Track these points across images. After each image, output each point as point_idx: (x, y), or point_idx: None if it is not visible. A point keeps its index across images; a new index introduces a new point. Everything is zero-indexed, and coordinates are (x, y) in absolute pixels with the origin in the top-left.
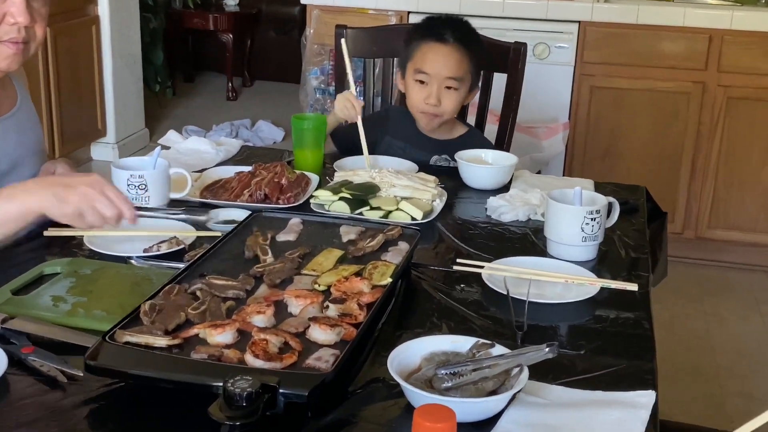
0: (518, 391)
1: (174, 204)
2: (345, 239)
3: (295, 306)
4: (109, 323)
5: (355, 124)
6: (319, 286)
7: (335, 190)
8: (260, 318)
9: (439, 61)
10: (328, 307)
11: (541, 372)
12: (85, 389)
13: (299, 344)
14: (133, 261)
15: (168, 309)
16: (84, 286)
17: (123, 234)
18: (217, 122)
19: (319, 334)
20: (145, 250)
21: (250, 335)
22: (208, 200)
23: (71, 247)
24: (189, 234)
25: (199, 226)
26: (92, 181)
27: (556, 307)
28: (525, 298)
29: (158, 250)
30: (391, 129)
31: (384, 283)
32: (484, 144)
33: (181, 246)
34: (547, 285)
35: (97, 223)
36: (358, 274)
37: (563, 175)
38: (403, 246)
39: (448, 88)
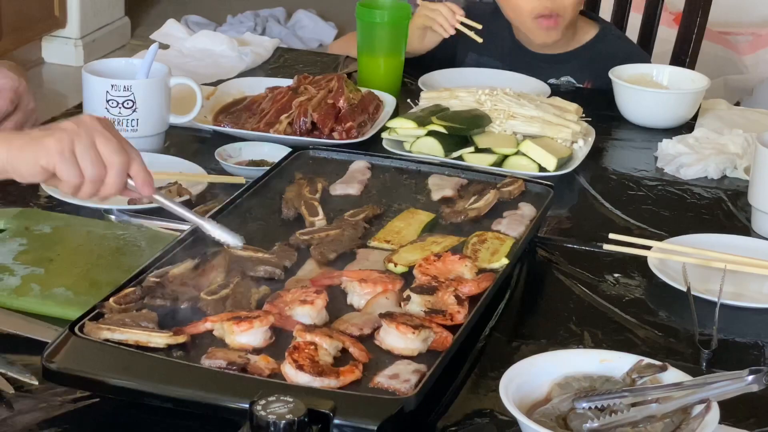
0: None
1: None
2: (436, 196)
3: (358, 295)
4: (77, 308)
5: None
6: (395, 266)
7: (422, 121)
8: (305, 311)
9: None
10: (409, 298)
11: (737, 413)
12: (42, 405)
13: (365, 353)
14: (112, 216)
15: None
16: (40, 252)
17: None
18: (234, 11)
19: (395, 339)
20: (130, 201)
21: (291, 336)
22: (227, 129)
23: (21, 191)
24: (197, 178)
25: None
26: (78, 121)
27: (764, 314)
28: (716, 299)
29: (151, 202)
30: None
31: (496, 266)
32: (632, 54)
33: (186, 197)
34: (752, 280)
35: (95, 175)
36: (456, 250)
37: None
38: (527, 210)
39: None
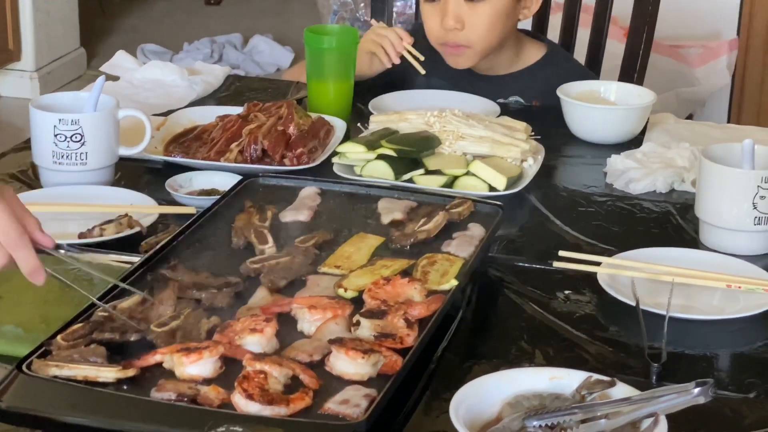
0: None
1: (129, 176)
2: (386, 219)
3: (308, 322)
4: (27, 345)
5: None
6: (345, 291)
7: (371, 144)
8: (255, 339)
9: None
10: (359, 323)
11: (687, 426)
12: None
13: (315, 380)
14: (62, 251)
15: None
16: None
17: (49, 210)
18: (191, 39)
19: (345, 364)
20: (80, 235)
21: (241, 365)
22: (177, 159)
23: None
24: (148, 210)
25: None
26: None
27: (712, 325)
28: (664, 312)
29: (101, 235)
30: (428, 62)
31: (446, 287)
32: (579, 75)
33: (136, 229)
34: (700, 292)
35: None
36: (405, 273)
37: (728, 122)
38: (476, 231)
39: None
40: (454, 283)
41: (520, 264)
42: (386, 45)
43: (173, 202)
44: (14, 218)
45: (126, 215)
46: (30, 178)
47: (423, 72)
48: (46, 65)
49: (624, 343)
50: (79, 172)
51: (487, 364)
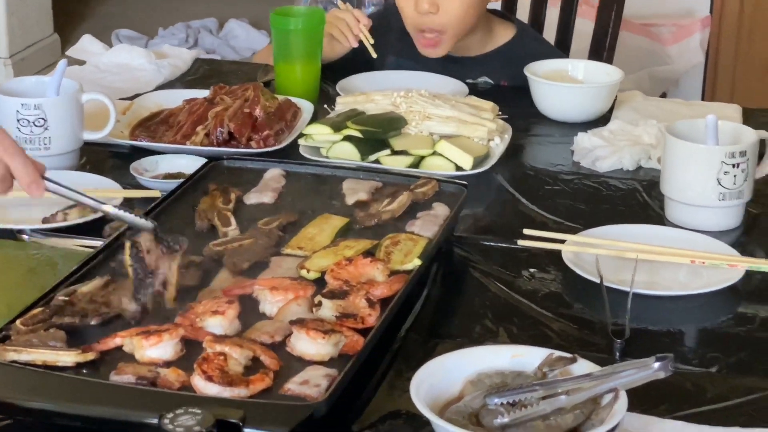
0: (613, 429)
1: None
2: (351, 200)
3: (270, 303)
4: None
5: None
6: (308, 272)
7: (337, 126)
8: (217, 321)
9: None
10: (321, 304)
11: (649, 400)
12: None
13: (276, 361)
14: (25, 236)
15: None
16: None
17: (12, 196)
18: (165, 24)
19: (306, 345)
20: (44, 220)
21: (202, 348)
22: (142, 143)
23: None
24: (112, 194)
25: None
26: None
27: (676, 301)
28: (628, 288)
29: (65, 220)
30: (394, 42)
31: (409, 267)
32: (549, 55)
33: (99, 213)
34: (663, 268)
35: None
36: (369, 253)
37: (702, 99)
38: (441, 210)
39: None
40: (417, 262)
41: (486, 243)
42: (343, 27)
43: (139, 186)
44: (7, 134)
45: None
46: None
47: (375, 55)
48: (20, 51)
49: (588, 320)
50: (42, 157)
51: (451, 342)
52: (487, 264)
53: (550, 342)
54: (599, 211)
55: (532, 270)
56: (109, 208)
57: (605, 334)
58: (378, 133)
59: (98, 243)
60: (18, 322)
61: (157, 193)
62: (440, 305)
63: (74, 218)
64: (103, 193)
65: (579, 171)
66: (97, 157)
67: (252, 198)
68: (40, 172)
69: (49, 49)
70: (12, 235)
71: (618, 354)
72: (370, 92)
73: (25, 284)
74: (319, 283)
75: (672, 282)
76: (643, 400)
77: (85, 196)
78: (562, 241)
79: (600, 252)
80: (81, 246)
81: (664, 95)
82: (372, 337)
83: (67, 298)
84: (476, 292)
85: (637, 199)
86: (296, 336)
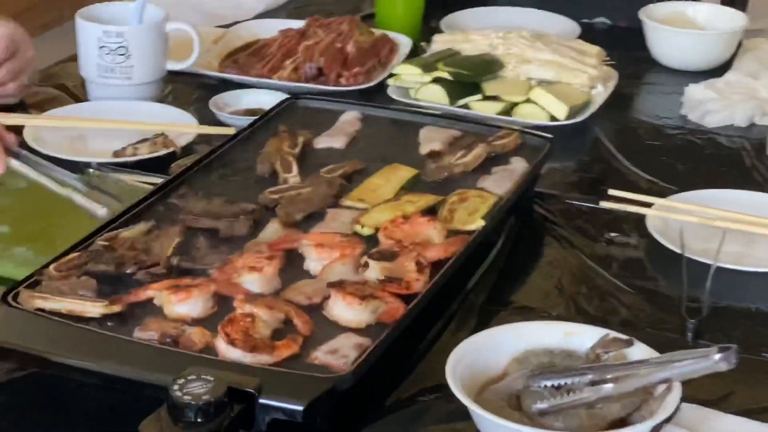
0: (662, 423)
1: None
2: (424, 150)
3: (315, 261)
4: (33, 269)
5: None
6: (362, 227)
7: (428, 66)
8: (254, 278)
9: None
10: (366, 265)
11: (711, 393)
12: None
13: (308, 325)
14: (91, 170)
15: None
16: (9, 209)
17: (80, 125)
18: None
19: (341, 310)
20: (115, 153)
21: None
22: (229, 75)
23: None
24: (185, 129)
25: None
26: None
27: (765, 279)
28: (711, 262)
29: (134, 155)
30: None
31: (472, 227)
32: None
33: (171, 149)
34: (757, 241)
35: None
36: (430, 211)
37: None
38: (518, 166)
39: None
40: (480, 223)
41: (569, 201)
42: None
43: (217, 123)
44: None
45: (162, 134)
46: (80, 91)
47: None
48: None
49: (664, 295)
50: (125, 86)
51: (509, 311)
52: (565, 224)
53: (617, 315)
54: (699, 173)
55: (612, 234)
56: (71, 192)
57: (678, 313)
58: (470, 76)
59: (161, 180)
60: (51, 267)
61: (232, 131)
62: (507, 267)
63: (144, 153)
64: (177, 128)
65: (685, 125)
66: (183, 89)
67: (322, 142)
68: (8, 146)
69: None
70: (77, 167)
71: (690, 335)
72: (470, 31)
73: (81, 222)
74: (373, 241)
75: (765, 257)
76: (704, 391)
77: (50, 175)
78: (649, 205)
79: (687, 218)
80: (144, 182)
81: None
82: (415, 305)
83: (107, 243)
84: (548, 255)
85: (743, 160)
86: (333, 299)
